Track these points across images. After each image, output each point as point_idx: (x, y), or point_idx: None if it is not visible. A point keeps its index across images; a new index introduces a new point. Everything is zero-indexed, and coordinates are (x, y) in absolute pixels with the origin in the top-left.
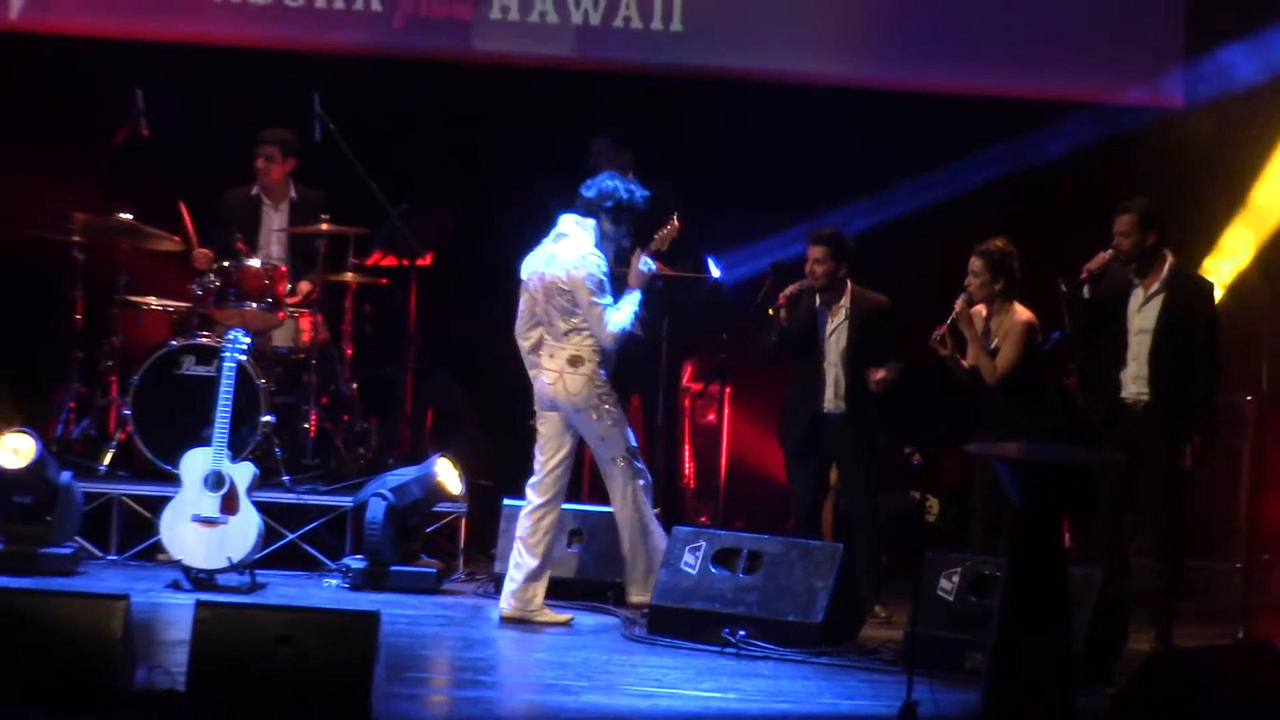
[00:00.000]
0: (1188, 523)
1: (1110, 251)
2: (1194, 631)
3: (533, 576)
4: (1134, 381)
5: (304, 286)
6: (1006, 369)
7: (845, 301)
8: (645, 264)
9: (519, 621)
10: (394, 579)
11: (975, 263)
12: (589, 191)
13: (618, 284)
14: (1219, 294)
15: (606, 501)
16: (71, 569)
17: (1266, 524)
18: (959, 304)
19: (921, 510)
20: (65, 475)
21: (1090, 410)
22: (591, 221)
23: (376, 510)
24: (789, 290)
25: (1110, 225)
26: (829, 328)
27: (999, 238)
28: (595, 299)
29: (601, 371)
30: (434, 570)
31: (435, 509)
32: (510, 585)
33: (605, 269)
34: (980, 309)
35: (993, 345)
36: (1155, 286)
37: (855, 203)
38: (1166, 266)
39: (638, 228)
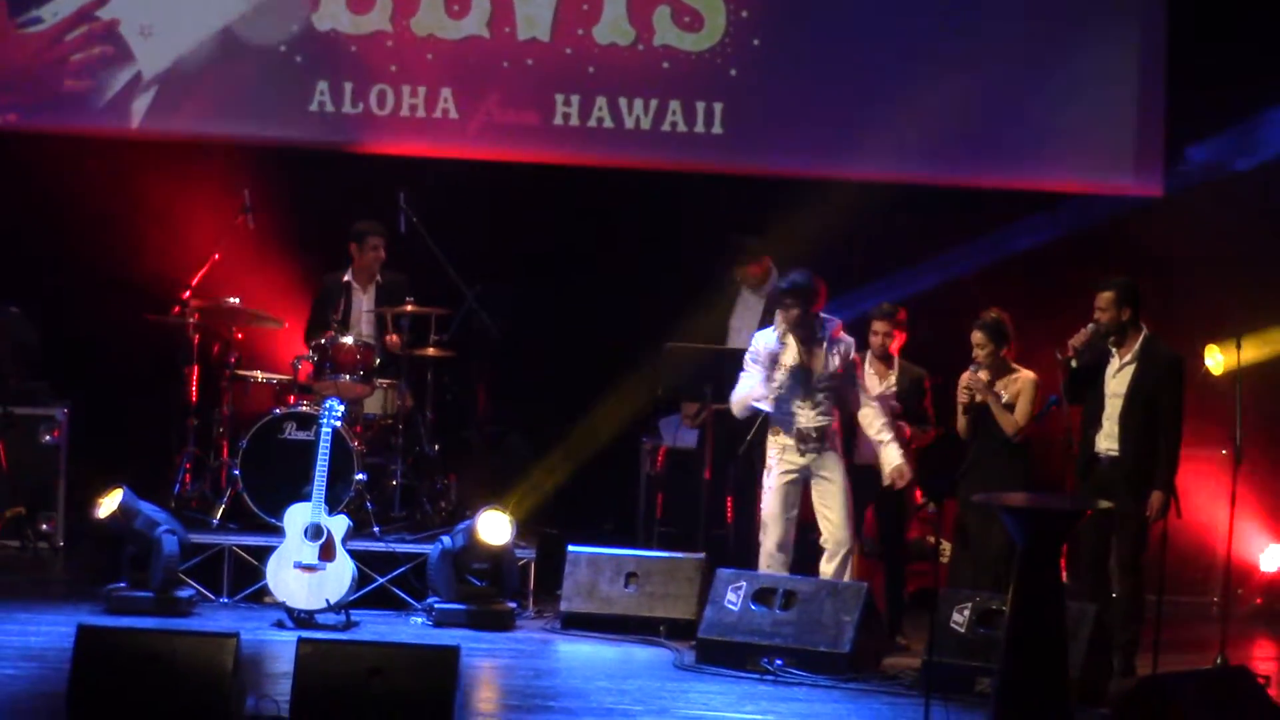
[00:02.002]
0: (1146, 563)
1: (1092, 325)
2: (1178, 658)
3: None
4: (1106, 439)
5: (393, 339)
6: (1025, 423)
7: (893, 370)
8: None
9: None
10: (440, 616)
11: (977, 336)
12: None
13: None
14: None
15: (660, 547)
16: (187, 610)
17: (1242, 563)
18: (967, 378)
19: (936, 552)
20: (160, 529)
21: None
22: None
23: (434, 553)
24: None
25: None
26: (877, 391)
27: (992, 308)
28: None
29: (772, 435)
30: (463, 607)
31: (519, 554)
32: None
33: (753, 347)
34: (984, 373)
35: (1003, 402)
36: (1129, 356)
37: (870, 284)
38: (1141, 338)
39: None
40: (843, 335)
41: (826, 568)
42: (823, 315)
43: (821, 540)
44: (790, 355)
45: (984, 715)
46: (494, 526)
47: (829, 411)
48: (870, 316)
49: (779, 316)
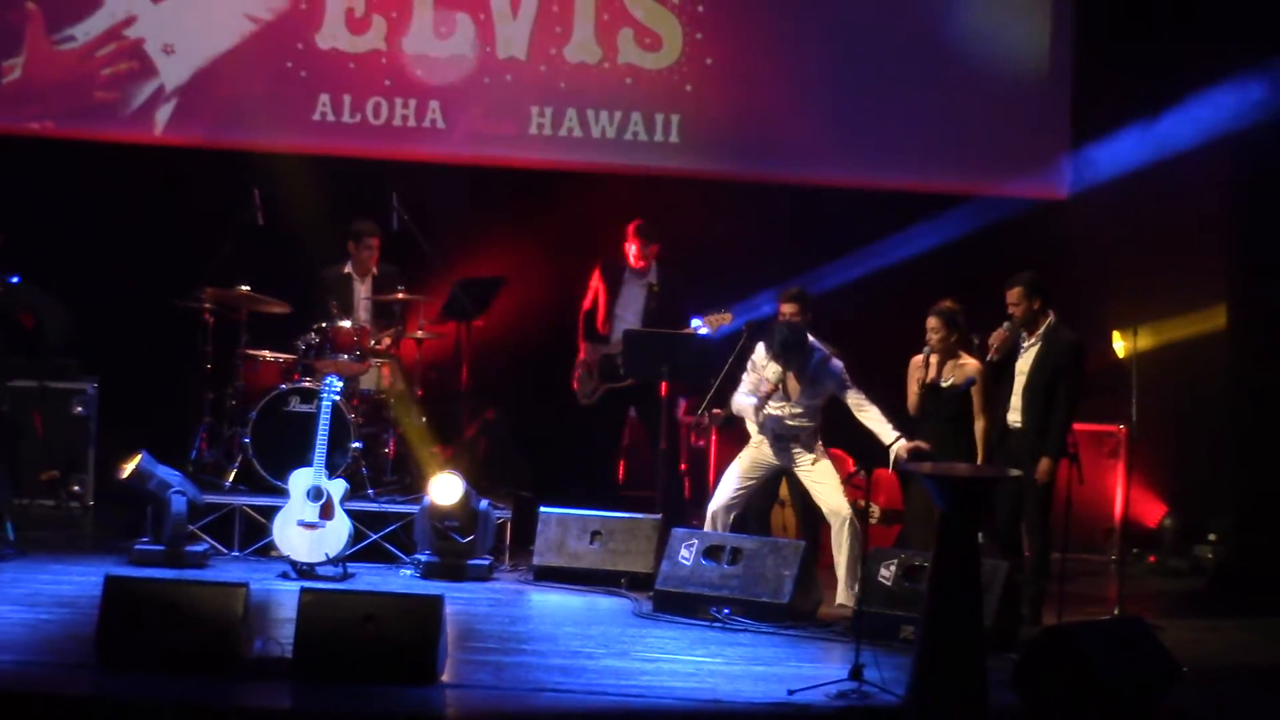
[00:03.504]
0: (1053, 525)
1: (1007, 324)
2: (1080, 610)
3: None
4: (1014, 413)
5: (385, 340)
6: (986, 414)
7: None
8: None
9: None
10: (426, 568)
11: (932, 321)
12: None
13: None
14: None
15: (624, 508)
16: (202, 562)
17: (1136, 526)
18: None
19: (865, 515)
20: (172, 490)
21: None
22: None
23: (418, 513)
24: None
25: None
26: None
27: (947, 299)
28: None
29: (758, 426)
30: (444, 561)
31: (497, 515)
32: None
33: (753, 356)
34: (934, 358)
35: (947, 383)
36: (1034, 339)
37: (802, 275)
38: (1046, 323)
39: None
40: (830, 365)
41: (836, 540)
42: (813, 344)
43: (827, 516)
44: (774, 372)
45: (908, 659)
46: (444, 488)
47: (805, 417)
48: (780, 299)
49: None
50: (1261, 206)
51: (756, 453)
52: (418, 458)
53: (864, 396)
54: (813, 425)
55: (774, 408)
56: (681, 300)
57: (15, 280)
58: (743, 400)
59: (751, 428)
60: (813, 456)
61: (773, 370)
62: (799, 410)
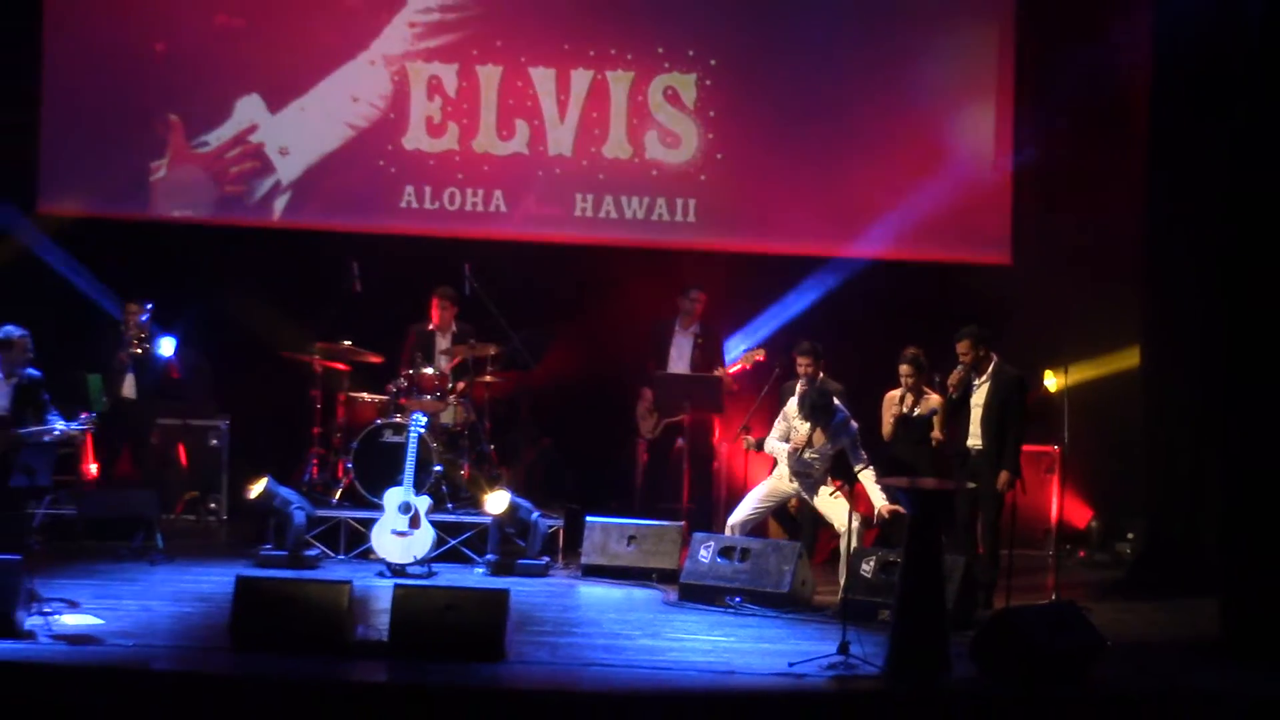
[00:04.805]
0: (1002, 527)
1: (960, 367)
2: (1022, 597)
3: None
4: (973, 438)
5: (460, 386)
6: (942, 434)
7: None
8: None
9: None
10: (495, 567)
11: (905, 367)
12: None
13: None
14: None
15: (653, 517)
16: (314, 564)
17: (1069, 527)
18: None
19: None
20: (293, 506)
21: (953, 456)
22: None
23: (490, 522)
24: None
25: (953, 344)
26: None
27: (911, 346)
28: None
29: (783, 458)
30: (509, 561)
31: (551, 523)
32: None
33: (786, 406)
34: (908, 396)
35: (916, 413)
36: (984, 378)
37: (796, 328)
38: (992, 364)
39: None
40: (849, 428)
41: (843, 547)
42: (836, 405)
43: (837, 530)
44: (805, 427)
45: (884, 636)
46: (494, 501)
47: (821, 460)
48: (795, 354)
49: (802, 414)
50: (1162, 272)
51: (778, 483)
52: (484, 478)
53: (866, 460)
54: (825, 467)
55: (796, 448)
56: (720, 347)
57: (170, 337)
58: (776, 444)
59: (780, 463)
60: (827, 489)
61: (802, 425)
62: (816, 455)
